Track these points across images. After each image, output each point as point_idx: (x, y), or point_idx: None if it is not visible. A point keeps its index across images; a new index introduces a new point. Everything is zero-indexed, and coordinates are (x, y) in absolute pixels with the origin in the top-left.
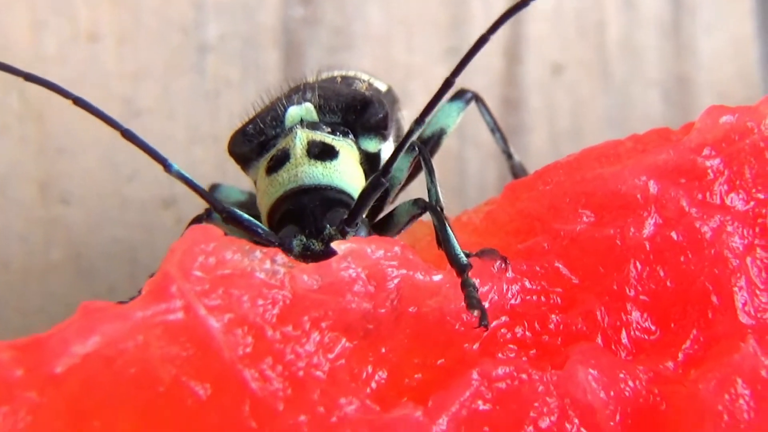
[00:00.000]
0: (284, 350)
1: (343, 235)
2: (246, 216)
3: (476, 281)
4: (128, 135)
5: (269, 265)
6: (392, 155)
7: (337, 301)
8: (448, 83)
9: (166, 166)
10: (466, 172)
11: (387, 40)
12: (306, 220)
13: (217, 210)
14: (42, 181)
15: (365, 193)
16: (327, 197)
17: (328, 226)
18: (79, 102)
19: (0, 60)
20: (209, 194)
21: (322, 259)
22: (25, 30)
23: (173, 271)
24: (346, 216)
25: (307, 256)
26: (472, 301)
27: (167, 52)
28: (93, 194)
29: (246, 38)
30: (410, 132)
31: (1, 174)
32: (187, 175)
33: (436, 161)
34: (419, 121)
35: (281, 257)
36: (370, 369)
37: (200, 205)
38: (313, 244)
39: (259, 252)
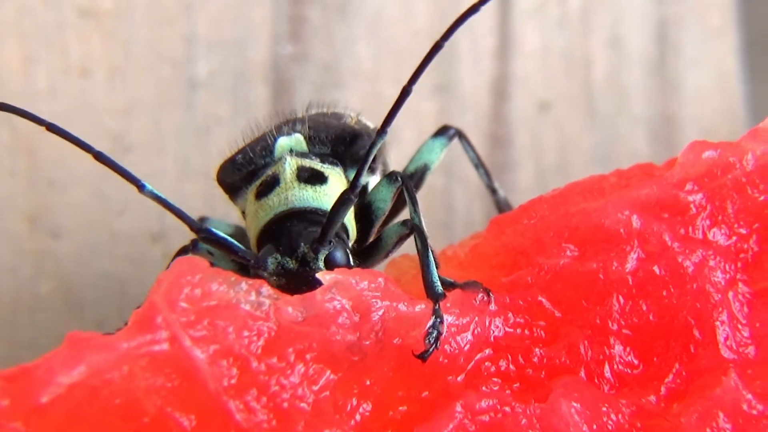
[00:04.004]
0: (269, 382)
1: (316, 252)
2: (222, 235)
3: (449, 317)
4: (101, 158)
5: (254, 296)
6: (359, 168)
7: (322, 333)
8: (405, 92)
9: (139, 186)
10: (453, 209)
11: (376, 77)
12: (283, 239)
13: (194, 229)
14: (32, 213)
15: (334, 209)
16: (315, 221)
17: (302, 244)
18: (52, 128)
19: None
20: (186, 215)
21: (296, 279)
22: (17, 64)
23: (159, 302)
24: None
25: (281, 274)
26: (431, 333)
27: (158, 88)
28: (83, 227)
29: (236, 74)
30: (373, 144)
31: None
32: (160, 194)
33: (422, 198)
34: (380, 132)
35: (266, 289)
36: (354, 401)
37: (188, 239)
38: (287, 263)
39: (244, 283)
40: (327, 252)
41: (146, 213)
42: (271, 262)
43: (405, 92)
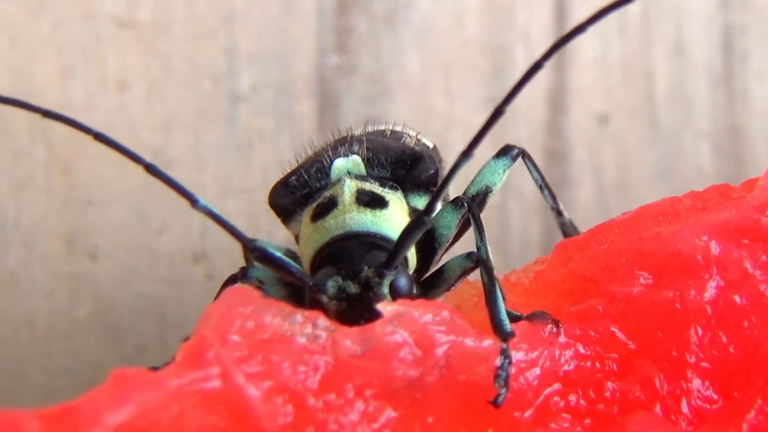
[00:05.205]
0: (327, 419)
1: (381, 277)
2: (278, 254)
3: (517, 353)
4: (152, 170)
5: (310, 329)
6: (436, 193)
7: (382, 368)
8: (498, 112)
9: (193, 201)
10: (509, 226)
11: (425, 89)
12: (344, 262)
13: (248, 247)
14: (68, 234)
15: (406, 233)
16: (373, 243)
17: (365, 267)
18: (100, 138)
19: None
20: (238, 231)
21: (358, 304)
22: (53, 77)
23: (210, 336)
24: (384, 259)
25: (342, 299)
26: (500, 375)
27: (198, 102)
28: (121, 248)
29: (279, 87)
30: (456, 165)
31: (27, 227)
32: (214, 210)
33: None
34: (467, 152)
35: (323, 321)
36: None
37: (232, 259)
38: (349, 287)
39: (299, 315)
40: (392, 278)
41: (187, 232)
42: (332, 285)
43: (498, 112)
